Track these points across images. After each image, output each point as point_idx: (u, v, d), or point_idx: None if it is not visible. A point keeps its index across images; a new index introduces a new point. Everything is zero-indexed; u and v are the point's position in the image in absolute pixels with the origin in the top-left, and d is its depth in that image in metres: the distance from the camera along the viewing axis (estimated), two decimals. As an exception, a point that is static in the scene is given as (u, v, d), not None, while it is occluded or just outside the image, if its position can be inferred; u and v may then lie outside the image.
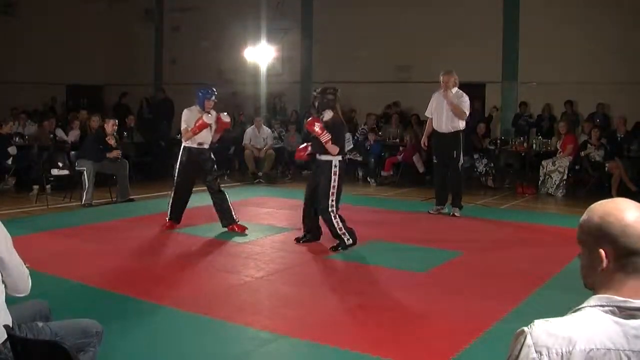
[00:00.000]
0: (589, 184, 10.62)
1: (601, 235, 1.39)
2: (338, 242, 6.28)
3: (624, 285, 1.37)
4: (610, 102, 12.06)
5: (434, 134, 8.47)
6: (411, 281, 5.31)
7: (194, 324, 4.18)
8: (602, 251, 1.38)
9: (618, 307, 1.35)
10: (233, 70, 15.55)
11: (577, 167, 10.53)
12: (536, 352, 1.31)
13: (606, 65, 11.80)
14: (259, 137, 12.25)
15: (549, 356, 1.31)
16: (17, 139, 10.96)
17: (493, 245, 6.74)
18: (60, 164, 9.55)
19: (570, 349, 1.30)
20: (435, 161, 8.65)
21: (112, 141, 9.21)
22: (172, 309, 4.47)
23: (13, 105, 14.05)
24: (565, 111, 12.27)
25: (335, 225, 6.24)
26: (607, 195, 9.95)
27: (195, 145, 7.13)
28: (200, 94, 7.19)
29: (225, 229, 7.19)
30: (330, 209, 6.22)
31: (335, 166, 6.22)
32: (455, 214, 8.40)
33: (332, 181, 6.21)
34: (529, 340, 1.33)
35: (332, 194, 6.21)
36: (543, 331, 1.33)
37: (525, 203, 9.87)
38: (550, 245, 6.67)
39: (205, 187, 7.29)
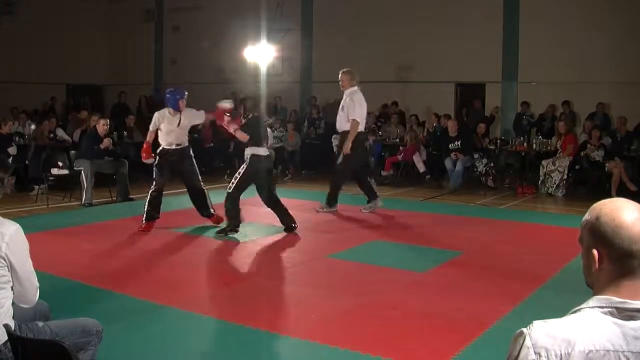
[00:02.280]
0: (589, 184, 10.62)
1: (596, 236, 1.39)
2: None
3: (620, 287, 1.37)
4: (610, 102, 12.06)
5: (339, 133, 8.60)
6: (411, 281, 5.30)
7: (194, 324, 4.18)
8: (595, 252, 1.39)
9: (617, 309, 1.34)
10: (233, 70, 15.55)
11: (577, 166, 10.52)
12: (535, 353, 1.31)
13: (606, 65, 11.80)
14: (259, 137, 12.24)
15: (547, 357, 1.31)
16: (17, 138, 10.96)
17: (493, 245, 6.74)
18: (60, 164, 9.55)
19: (570, 350, 1.30)
20: (339, 161, 8.60)
21: (107, 143, 9.20)
22: (172, 309, 4.47)
23: (13, 105, 14.05)
24: (563, 111, 12.27)
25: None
26: (607, 195, 9.94)
27: (173, 147, 7.19)
28: (170, 95, 7.21)
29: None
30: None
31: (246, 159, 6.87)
32: (318, 209, 8.34)
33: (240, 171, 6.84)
34: (528, 342, 1.33)
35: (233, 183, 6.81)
36: (542, 332, 1.34)
37: (525, 203, 9.86)
38: (550, 245, 6.66)
39: (187, 188, 7.38)
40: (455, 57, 13.27)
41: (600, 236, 1.38)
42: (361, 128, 8.29)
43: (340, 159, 8.32)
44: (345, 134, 8.26)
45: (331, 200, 8.42)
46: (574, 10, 12.23)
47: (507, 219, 8.30)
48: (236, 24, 15.02)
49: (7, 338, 2.49)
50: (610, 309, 1.35)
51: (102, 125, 9.31)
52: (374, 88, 14.36)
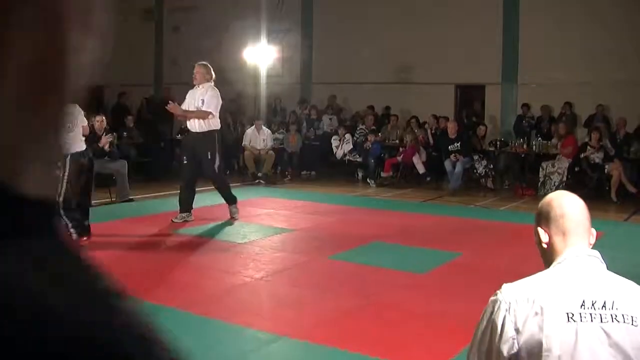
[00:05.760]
0: (588, 186, 10.62)
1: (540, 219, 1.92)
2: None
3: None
4: (609, 102, 12.06)
5: (188, 133, 7.85)
6: (411, 282, 5.30)
7: (194, 324, 4.17)
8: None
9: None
10: (233, 70, 15.55)
11: (576, 168, 10.52)
12: (505, 302, 1.70)
13: (606, 66, 11.80)
14: (258, 138, 12.25)
15: (517, 303, 1.68)
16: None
17: (493, 246, 6.74)
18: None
19: (534, 297, 1.68)
20: (185, 162, 7.79)
21: (106, 141, 9.17)
22: (172, 309, 4.46)
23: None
24: (564, 112, 12.27)
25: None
26: (607, 196, 9.98)
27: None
28: None
29: (225, 229, 7.18)
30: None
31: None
32: (234, 215, 7.79)
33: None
34: (499, 297, 1.72)
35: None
36: (510, 289, 1.74)
37: (524, 204, 9.86)
38: (549, 247, 6.66)
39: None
40: (455, 58, 13.28)
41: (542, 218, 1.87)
42: (217, 126, 7.67)
43: (217, 161, 7.61)
44: (204, 134, 7.50)
45: (233, 200, 7.89)
46: (574, 11, 12.24)
47: (507, 221, 8.30)
48: (236, 24, 15.02)
49: None
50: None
51: (98, 122, 9.26)
52: (374, 89, 14.40)
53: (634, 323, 1.66)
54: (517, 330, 1.65)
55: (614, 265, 6.60)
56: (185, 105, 7.67)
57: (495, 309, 1.69)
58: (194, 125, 7.52)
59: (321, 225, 7.80)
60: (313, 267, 5.83)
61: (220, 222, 7.78)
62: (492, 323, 1.70)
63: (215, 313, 4.40)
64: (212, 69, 7.70)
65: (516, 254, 6.36)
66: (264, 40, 14.03)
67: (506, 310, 1.67)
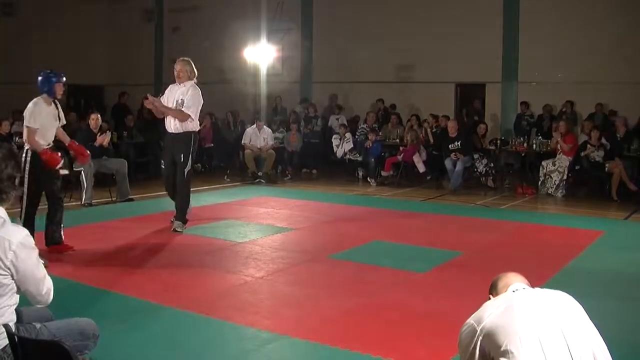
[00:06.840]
0: (589, 184, 10.62)
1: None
2: None
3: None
4: (610, 102, 12.06)
5: (165, 134, 7.37)
6: (411, 281, 5.31)
7: (194, 324, 4.18)
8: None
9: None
10: (233, 70, 15.56)
11: (577, 167, 10.51)
12: (470, 323, 2.34)
13: (606, 65, 11.80)
14: (259, 136, 12.25)
15: (476, 323, 2.29)
16: (17, 138, 10.97)
17: (493, 245, 6.74)
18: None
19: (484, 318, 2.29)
20: (162, 166, 7.41)
21: (102, 139, 9.13)
22: (172, 309, 4.47)
23: (13, 105, 14.02)
24: (564, 110, 12.27)
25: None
26: (607, 195, 9.98)
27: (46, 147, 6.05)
28: (50, 78, 6.15)
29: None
30: None
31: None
32: (178, 229, 7.10)
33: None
34: (469, 320, 2.36)
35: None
36: (475, 314, 2.35)
37: (525, 203, 9.86)
38: (550, 245, 6.66)
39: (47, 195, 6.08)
40: (455, 57, 13.28)
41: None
42: (194, 128, 7.23)
43: (188, 166, 7.11)
44: (182, 135, 7.08)
45: (183, 217, 7.25)
46: (573, 10, 12.24)
47: (507, 220, 8.29)
48: (236, 24, 15.03)
49: (6, 343, 2.48)
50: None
51: (93, 121, 9.24)
52: (375, 88, 14.40)
53: (551, 290, 2.36)
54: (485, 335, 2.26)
55: (614, 264, 6.61)
56: (163, 101, 7.23)
57: (464, 327, 2.39)
58: (170, 126, 7.13)
59: (321, 224, 7.80)
60: (313, 266, 5.83)
61: (220, 222, 7.79)
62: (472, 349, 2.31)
63: (215, 312, 4.41)
64: (193, 65, 7.22)
65: (516, 253, 6.37)
66: (264, 39, 14.03)
67: (476, 333, 2.29)
